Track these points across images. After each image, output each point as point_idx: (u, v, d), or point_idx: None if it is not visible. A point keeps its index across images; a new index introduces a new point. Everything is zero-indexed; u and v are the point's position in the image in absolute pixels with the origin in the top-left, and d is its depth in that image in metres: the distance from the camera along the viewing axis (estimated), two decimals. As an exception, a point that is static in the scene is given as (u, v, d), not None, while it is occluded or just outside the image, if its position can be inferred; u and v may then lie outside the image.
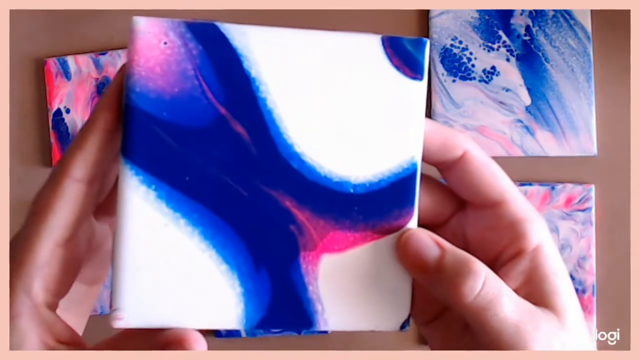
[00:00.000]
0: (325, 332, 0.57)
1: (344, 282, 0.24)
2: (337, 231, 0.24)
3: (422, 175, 0.25)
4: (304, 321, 0.24)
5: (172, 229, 0.23)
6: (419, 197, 0.25)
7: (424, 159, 0.25)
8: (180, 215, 0.23)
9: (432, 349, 0.28)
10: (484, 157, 0.26)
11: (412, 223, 0.25)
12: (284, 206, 0.23)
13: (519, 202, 0.26)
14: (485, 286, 0.24)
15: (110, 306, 0.23)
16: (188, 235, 0.23)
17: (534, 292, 0.25)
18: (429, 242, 0.24)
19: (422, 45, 0.24)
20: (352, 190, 0.24)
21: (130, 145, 0.23)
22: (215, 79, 0.23)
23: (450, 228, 0.28)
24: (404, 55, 0.24)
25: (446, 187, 0.27)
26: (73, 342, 0.23)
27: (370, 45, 0.23)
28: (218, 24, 0.23)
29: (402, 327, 0.25)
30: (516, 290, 0.25)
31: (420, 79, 0.24)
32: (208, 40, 0.23)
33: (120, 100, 0.23)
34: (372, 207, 0.24)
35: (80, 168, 0.23)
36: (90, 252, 0.27)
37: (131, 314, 0.23)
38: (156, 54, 0.23)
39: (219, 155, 0.23)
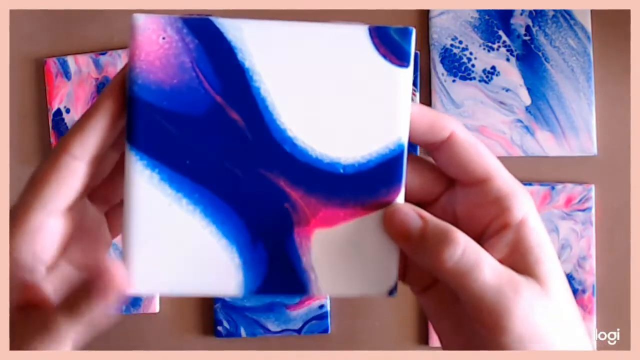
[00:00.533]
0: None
1: (335, 253, 0.26)
2: (328, 208, 0.26)
3: (415, 156, 0.27)
4: (298, 288, 0.26)
5: (175, 207, 0.25)
6: (407, 176, 0.26)
7: (413, 141, 0.27)
8: (182, 195, 0.25)
9: (428, 317, 0.30)
10: (470, 137, 0.27)
11: (399, 199, 0.26)
12: (278, 186, 0.25)
13: (505, 178, 0.27)
14: (465, 253, 0.25)
15: None
16: (190, 213, 0.25)
17: (518, 262, 0.26)
18: (412, 214, 0.26)
19: (408, 35, 0.25)
20: (342, 171, 0.25)
21: (135, 132, 0.25)
22: (211, 70, 0.25)
23: (441, 206, 0.29)
24: (390, 44, 0.25)
25: (436, 167, 0.29)
26: (42, 302, 0.26)
27: (358, 35, 0.25)
28: (213, 18, 0.25)
29: (390, 293, 0.27)
30: (501, 261, 0.26)
31: (407, 66, 0.25)
32: (204, 34, 0.25)
33: (123, 91, 0.25)
34: (361, 186, 0.26)
35: (79, 147, 0.25)
36: (82, 234, 0.28)
37: (140, 283, 0.25)
38: (155, 48, 0.24)
39: (217, 140, 0.25)
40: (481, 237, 0.27)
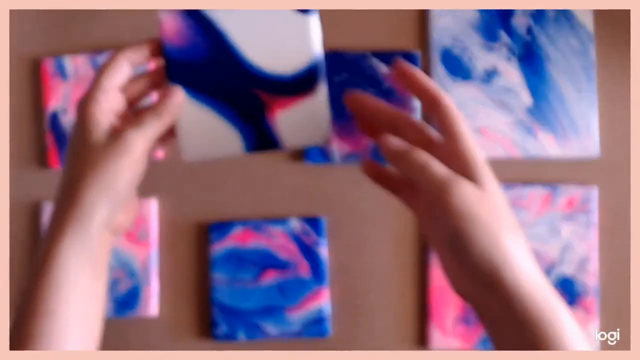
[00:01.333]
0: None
1: (291, 123, 0.43)
2: (282, 99, 0.43)
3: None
4: (273, 144, 0.43)
5: (198, 109, 0.43)
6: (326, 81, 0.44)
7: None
8: (201, 102, 0.43)
9: (413, 212, 0.40)
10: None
11: (322, 90, 0.43)
12: (250, 91, 0.43)
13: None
14: (420, 156, 0.37)
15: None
16: (206, 111, 0.43)
17: (456, 167, 0.37)
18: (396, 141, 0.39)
19: (314, 12, 0.43)
20: (287, 78, 0.43)
21: (170, 73, 0.43)
22: (206, 37, 0.43)
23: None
24: (303, 11, 0.43)
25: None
26: (116, 128, 0.41)
27: (288, 12, 0.43)
28: (202, 10, 0.43)
29: (326, 141, 0.44)
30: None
31: (313, 14, 0.43)
32: (198, 19, 0.43)
33: (157, 45, 0.43)
34: (298, 85, 0.43)
35: (131, 55, 0.42)
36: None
37: (188, 152, 0.43)
38: (175, 30, 0.43)
39: (214, 71, 0.43)
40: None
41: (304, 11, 0.43)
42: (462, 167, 0.37)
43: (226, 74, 0.43)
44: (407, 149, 0.37)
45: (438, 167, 0.36)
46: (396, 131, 0.40)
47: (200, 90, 0.43)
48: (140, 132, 0.40)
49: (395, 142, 0.38)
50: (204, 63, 0.43)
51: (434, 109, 0.38)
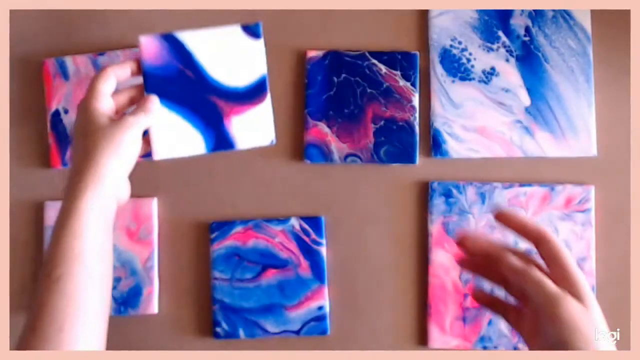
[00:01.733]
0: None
1: (243, 127, 0.54)
2: (236, 107, 0.54)
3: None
4: (229, 144, 0.53)
5: (169, 115, 0.53)
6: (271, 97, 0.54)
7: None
8: (171, 109, 0.53)
9: (517, 330, 0.46)
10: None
11: (268, 99, 0.54)
12: (211, 100, 0.53)
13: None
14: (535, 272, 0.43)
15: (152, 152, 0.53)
16: (175, 117, 0.53)
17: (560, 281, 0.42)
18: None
19: (257, 27, 0.54)
20: (240, 90, 0.54)
21: (147, 85, 0.53)
22: (176, 55, 0.53)
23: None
24: (249, 30, 0.54)
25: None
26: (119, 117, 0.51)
27: (236, 30, 0.54)
28: (174, 33, 0.53)
29: (272, 142, 0.54)
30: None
31: (258, 38, 0.54)
32: (171, 41, 0.53)
33: (138, 63, 0.53)
34: (249, 95, 0.54)
35: (118, 71, 0.51)
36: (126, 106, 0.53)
37: (159, 152, 0.53)
38: (152, 50, 0.53)
39: (182, 85, 0.53)
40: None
41: (255, 35, 0.54)
42: (569, 287, 0.42)
43: (192, 86, 0.53)
44: (526, 267, 0.43)
45: (550, 284, 0.42)
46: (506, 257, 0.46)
47: (171, 99, 0.53)
48: (135, 119, 0.50)
49: (515, 260, 0.43)
50: (174, 77, 0.53)
51: (541, 244, 0.44)
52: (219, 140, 0.53)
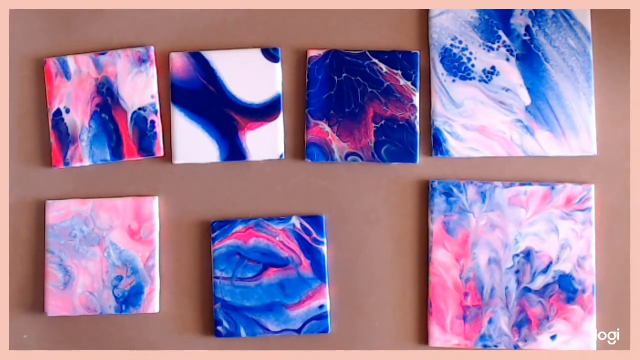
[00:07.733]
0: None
1: (256, 141, 0.59)
2: (252, 122, 0.59)
3: None
4: (242, 156, 0.59)
5: (190, 125, 0.59)
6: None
7: None
8: (192, 120, 0.59)
9: None
10: None
11: (280, 118, 0.59)
12: (229, 114, 0.59)
13: None
14: None
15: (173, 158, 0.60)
16: (196, 127, 0.59)
17: None
18: None
19: (277, 52, 0.59)
20: (256, 106, 0.59)
21: (174, 97, 0.59)
22: (201, 71, 0.59)
23: None
24: (268, 54, 0.59)
25: None
26: None
27: (256, 52, 0.59)
28: (202, 52, 0.59)
29: (280, 157, 0.59)
30: None
31: (277, 62, 0.59)
32: (198, 58, 0.59)
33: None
34: (264, 112, 0.59)
35: None
36: None
37: (179, 157, 0.59)
38: (180, 66, 0.60)
39: (203, 99, 0.59)
40: None
41: (273, 58, 0.59)
42: None
43: (213, 100, 0.59)
44: None
45: None
46: None
47: (194, 110, 0.59)
48: None
49: None
50: (198, 91, 0.59)
51: None
52: (233, 151, 0.58)
